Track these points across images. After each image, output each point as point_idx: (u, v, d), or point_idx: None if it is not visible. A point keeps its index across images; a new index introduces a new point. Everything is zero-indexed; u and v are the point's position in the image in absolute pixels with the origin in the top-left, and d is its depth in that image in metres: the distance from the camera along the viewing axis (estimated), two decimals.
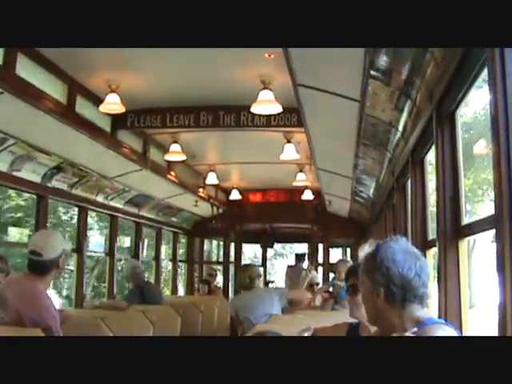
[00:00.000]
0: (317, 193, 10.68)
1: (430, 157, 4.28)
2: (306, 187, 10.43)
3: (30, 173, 6.26)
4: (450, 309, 2.93)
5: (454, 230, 3.08)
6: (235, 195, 11.24)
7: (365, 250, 2.33)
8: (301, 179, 9.37)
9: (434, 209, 3.60)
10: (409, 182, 5.23)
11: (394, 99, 3.98)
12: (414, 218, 4.37)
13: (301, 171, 9.21)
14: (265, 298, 6.25)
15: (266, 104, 5.41)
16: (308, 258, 12.54)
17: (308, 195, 10.80)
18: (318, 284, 7.49)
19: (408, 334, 1.96)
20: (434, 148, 3.54)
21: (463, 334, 2.06)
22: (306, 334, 3.42)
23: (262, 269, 13.63)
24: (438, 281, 3.19)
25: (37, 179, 6.45)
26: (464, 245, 3.01)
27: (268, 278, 15.92)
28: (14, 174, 6.00)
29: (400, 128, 4.46)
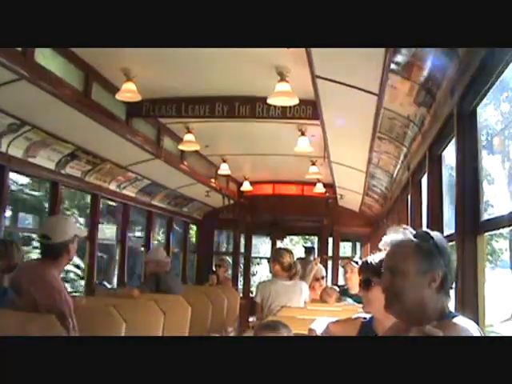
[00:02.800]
0: (329, 186, 10.67)
1: (448, 152, 4.27)
2: (318, 180, 10.42)
3: (44, 159, 6.28)
4: (467, 305, 2.91)
5: (473, 226, 3.06)
6: (247, 186, 11.23)
7: (396, 233, 2.26)
8: (313, 172, 9.34)
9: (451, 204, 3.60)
10: (424, 177, 5.22)
11: (414, 93, 3.97)
12: (429, 213, 4.36)
13: (313, 164, 9.18)
14: (292, 290, 6.25)
15: (283, 96, 5.39)
16: (317, 251, 12.54)
17: (320, 188, 10.77)
18: (323, 277, 7.48)
19: (429, 326, 1.94)
20: (452, 143, 3.53)
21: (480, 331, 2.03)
22: (320, 327, 3.43)
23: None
24: (455, 276, 3.17)
25: (51, 166, 6.47)
26: (483, 240, 3.00)
27: None
28: (30, 160, 6.02)
29: (418, 123, 4.44)
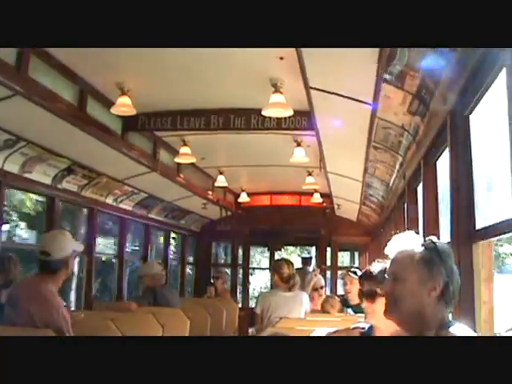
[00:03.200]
0: (325, 196, 10.67)
1: (442, 161, 4.28)
2: (315, 191, 10.42)
3: (40, 174, 6.27)
4: (464, 313, 2.91)
5: (469, 234, 3.07)
6: (244, 198, 11.22)
7: (402, 240, 2.26)
8: (310, 182, 9.35)
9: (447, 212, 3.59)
10: (420, 185, 5.23)
11: (407, 103, 3.98)
12: (425, 222, 4.36)
13: (310, 175, 9.19)
14: (292, 301, 6.24)
15: (278, 107, 5.40)
16: (316, 261, 12.52)
17: (317, 198, 10.77)
18: (322, 288, 7.47)
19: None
20: (446, 152, 3.53)
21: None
22: None
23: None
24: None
25: (47, 181, 6.46)
26: (478, 248, 3.00)
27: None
28: (26, 175, 6.01)
29: (412, 132, 4.46)
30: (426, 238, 2.21)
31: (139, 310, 6.29)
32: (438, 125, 3.64)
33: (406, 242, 2.23)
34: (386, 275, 2.23)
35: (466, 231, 3.07)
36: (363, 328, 3.31)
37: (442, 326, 2.06)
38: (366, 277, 3.21)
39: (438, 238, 4.04)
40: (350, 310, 6.32)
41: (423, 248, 2.16)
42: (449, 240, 3.27)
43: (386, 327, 3.06)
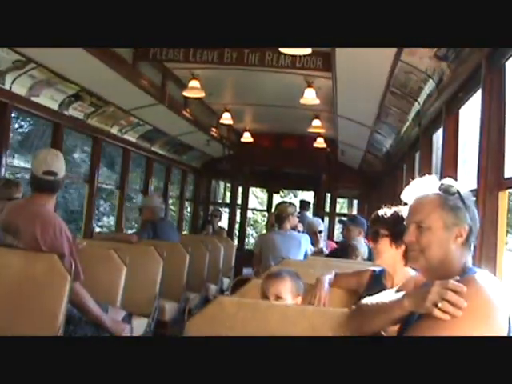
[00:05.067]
0: (330, 141, 10.59)
1: (464, 109, 4.22)
2: (319, 135, 10.31)
3: (47, 99, 6.16)
4: (486, 260, 2.90)
5: (497, 182, 3.04)
6: (247, 137, 11.12)
7: (422, 185, 2.20)
8: (316, 125, 9.24)
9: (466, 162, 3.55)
10: (436, 134, 5.16)
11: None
12: (443, 169, 4.32)
13: (316, 118, 9.08)
14: (290, 242, 6.25)
15: None
16: (314, 206, 12.50)
17: (320, 143, 10.67)
18: (320, 232, 7.45)
19: (453, 280, 1.90)
20: (471, 100, 3.47)
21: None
22: (328, 278, 3.41)
23: (267, 214, 13.70)
24: None
25: (54, 106, 6.35)
26: (505, 197, 2.98)
27: None
28: (33, 99, 5.90)
29: (436, 78, 4.35)
30: (445, 183, 2.13)
31: (140, 242, 6.29)
32: (468, 70, 3.55)
33: (425, 187, 2.16)
34: (405, 223, 2.17)
35: (495, 179, 3.03)
36: (374, 271, 3.34)
37: (465, 272, 2.02)
38: (375, 219, 3.25)
39: None
40: None
41: (445, 193, 2.10)
42: (474, 188, 3.22)
43: (391, 269, 3.12)
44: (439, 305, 1.83)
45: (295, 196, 20.59)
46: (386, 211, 3.19)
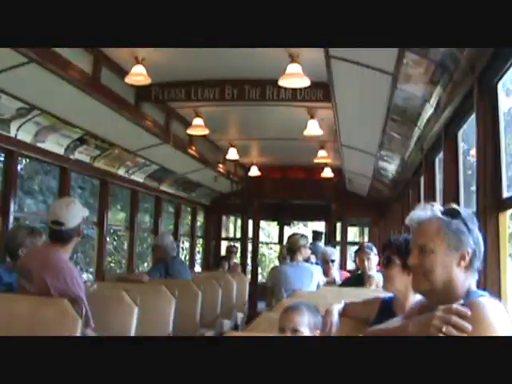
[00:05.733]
0: (337, 171, 10.62)
1: (463, 131, 4.24)
2: (326, 165, 10.36)
3: (53, 144, 6.24)
4: (490, 283, 2.88)
5: (495, 203, 3.04)
6: (254, 172, 11.17)
7: (424, 209, 2.21)
8: (322, 156, 9.29)
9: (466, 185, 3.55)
10: (437, 158, 5.18)
11: (430, 72, 3.90)
12: (445, 193, 4.32)
13: (322, 148, 9.13)
14: (303, 273, 6.23)
15: (294, 77, 5.33)
16: (325, 236, 12.49)
17: (328, 173, 10.71)
18: (333, 261, 7.43)
19: (456, 304, 1.90)
20: (468, 122, 3.48)
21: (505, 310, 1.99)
22: (337, 307, 3.40)
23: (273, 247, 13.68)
24: None
25: (60, 151, 6.43)
26: (505, 218, 2.97)
27: None
28: (39, 145, 5.98)
29: (433, 102, 4.39)
30: (449, 206, 2.15)
31: (151, 282, 6.29)
32: (462, 94, 3.57)
33: (427, 212, 2.18)
34: (410, 247, 2.19)
35: (493, 200, 3.03)
36: (383, 299, 3.31)
37: (469, 295, 2.02)
38: (387, 245, 3.22)
39: None
40: None
41: (448, 216, 2.11)
42: (473, 210, 3.22)
43: (402, 295, 3.09)
44: (443, 329, 1.83)
45: (305, 226, 20.48)
46: (397, 237, 3.20)
